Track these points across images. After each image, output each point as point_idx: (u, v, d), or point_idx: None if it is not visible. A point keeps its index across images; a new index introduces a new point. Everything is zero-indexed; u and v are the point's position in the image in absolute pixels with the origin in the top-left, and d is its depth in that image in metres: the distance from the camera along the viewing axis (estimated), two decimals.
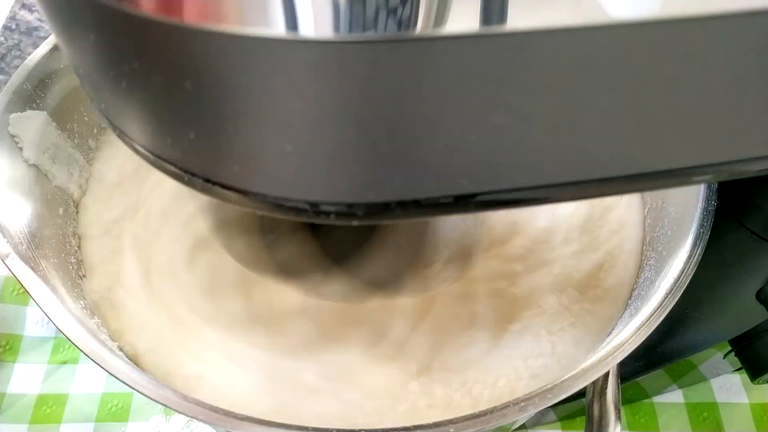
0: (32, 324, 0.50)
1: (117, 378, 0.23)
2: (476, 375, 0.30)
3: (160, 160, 0.14)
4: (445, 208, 0.13)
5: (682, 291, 0.25)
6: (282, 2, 0.11)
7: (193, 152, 0.13)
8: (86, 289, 0.31)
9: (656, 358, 0.37)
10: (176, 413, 0.33)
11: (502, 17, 0.12)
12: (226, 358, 0.32)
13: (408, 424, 0.21)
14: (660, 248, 0.28)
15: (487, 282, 0.37)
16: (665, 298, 0.24)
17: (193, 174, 0.14)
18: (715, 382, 0.46)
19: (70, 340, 0.24)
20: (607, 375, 0.27)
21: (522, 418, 0.27)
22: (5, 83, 0.30)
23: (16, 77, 0.30)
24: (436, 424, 0.21)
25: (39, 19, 0.64)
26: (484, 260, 0.38)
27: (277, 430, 0.21)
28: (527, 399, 0.22)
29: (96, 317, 0.28)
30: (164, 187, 0.36)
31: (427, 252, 0.37)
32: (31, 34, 0.63)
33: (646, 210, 0.33)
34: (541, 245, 0.37)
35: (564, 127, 0.13)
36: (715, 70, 0.13)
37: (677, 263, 0.25)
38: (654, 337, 0.24)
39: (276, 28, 0.11)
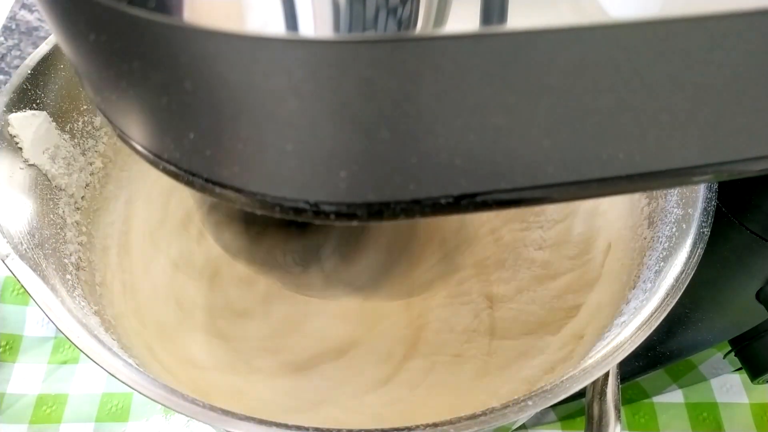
0: (32, 324, 0.50)
1: (117, 378, 0.23)
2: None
3: (159, 160, 0.14)
4: (445, 208, 0.13)
5: (682, 291, 0.25)
6: (282, 2, 0.11)
7: (193, 152, 0.13)
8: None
9: (656, 358, 0.37)
10: (176, 413, 0.33)
11: (502, 17, 0.12)
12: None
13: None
14: (660, 248, 0.28)
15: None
16: (665, 298, 0.24)
17: (192, 174, 0.14)
18: (715, 382, 0.46)
19: (70, 340, 0.24)
20: (607, 375, 0.27)
21: (522, 418, 0.27)
22: (5, 83, 0.30)
23: (16, 77, 0.30)
24: (436, 424, 0.21)
25: (39, 19, 0.64)
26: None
27: (277, 429, 0.21)
28: (527, 399, 0.22)
29: (96, 316, 0.28)
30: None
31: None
32: (31, 34, 0.63)
33: (646, 210, 0.33)
34: (540, 247, 0.37)
35: (564, 126, 0.13)
36: (715, 70, 0.13)
37: (677, 263, 0.25)
38: (654, 337, 0.24)
39: (276, 27, 0.11)
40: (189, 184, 0.14)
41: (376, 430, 0.22)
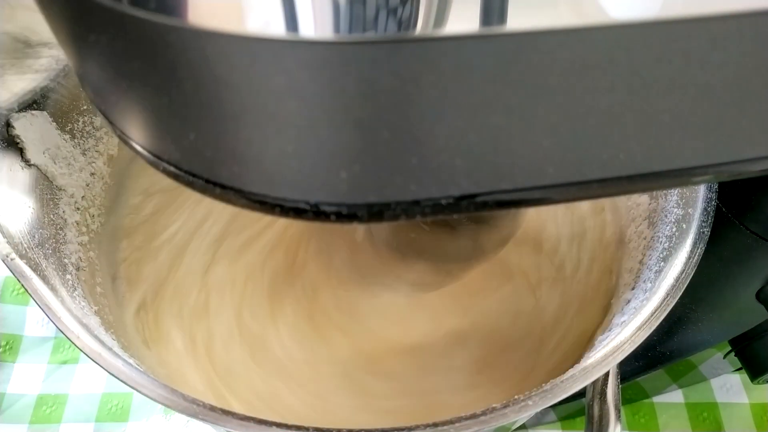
0: (32, 324, 0.50)
1: (117, 378, 0.23)
2: None
3: (160, 161, 0.14)
4: (445, 209, 0.13)
5: (682, 291, 0.25)
6: (282, 3, 0.11)
7: (194, 153, 0.13)
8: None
9: (656, 358, 0.37)
10: (176, 413, 0.33)
11: (502, 17, 0.12)
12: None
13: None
14: (660, 248, 0.28)
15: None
16: (665, 298, 0.24)
17: (193, 174, 0.14)
18: (715, 382, 0.46)
19: (70, 340, 0.24)
20: (607, 375, 0.27)
21: (522, 418, 0.27)
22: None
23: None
24: (436, 424, 0.21)
25: None
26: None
27: (277, 429, 0.21)
28: (527, 399, 0.22)
29: (96, 316, 0.28)
30: None
31: None
32: None
33: (646, 210, 0.33)
34: (541, 250, 0.37)
35: (564, 127, 0.13)
36: (716, 70, 0.13)
37: (677, 263, 0.25)
38: (654, 337, 0.24)
39: (276, 28, 0.11)
40: (189, 185, 0.14)
41: (376, 430, 0.22)
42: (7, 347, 0.49)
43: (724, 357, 0.37)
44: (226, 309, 0.36)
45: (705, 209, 0.26)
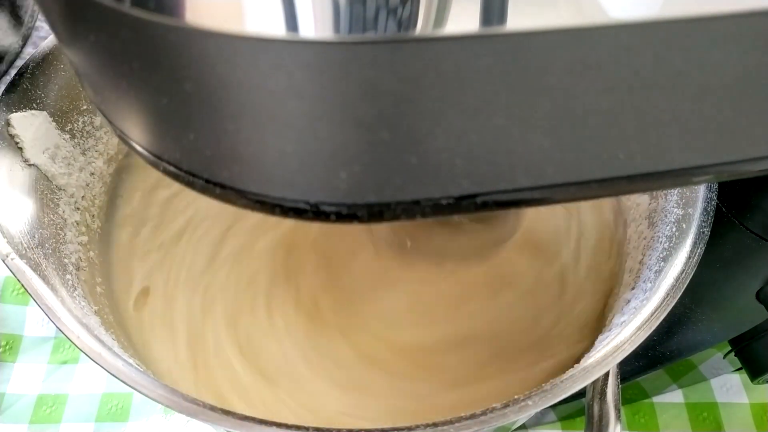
0: (32, 324, 0.50)
1: (117, 378, 0.23)
2: None
3: (160, 161, 0.14)
4: (445, 209, 0.13)
5: (682, 291, 0.25)
6: (282, 3, 0.11)
7: (193, 153, 0.13)
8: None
9: (656, 358, 0.37)
10: (176, 413, 0.33)
11: (502, 17, 0.12)
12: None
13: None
14: (660, 248, 0.28)
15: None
16: (665, 298, 0.24)
17: (193, 174, 0.14)
18: (715, 382, 0.46)
19: (70, 339, 0.24)
20: (607, 375, 0.27)
21: (522, 418, 0.27)
22: (5, 83, 0.30)
23: (17, 77, 0.30)
24: (436, 424, 0.21)
25: (39, 19, 0.64)
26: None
27: (277, 429, 0.21)
28: (527, 399, 0.22)
29: (96, 316, 0.28)
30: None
31: None
32: (31, 34, 0.63)
33: (646, 210, 0.33)
34: (541, 248, 0.37)
35: (564, 127, 0.13)
36: (715, 70, 0.13)
37: (677, 263, 0.25)
38: (654, 337, 0.24)
39: (276, 28, 0.11)
40: (189, 185, 0.14)
41: (376, 429, 0.22)
42: (7, 347, 0.49)
43: (724, 357, 0.37)
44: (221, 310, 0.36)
45: (705, 209, 0.26)
